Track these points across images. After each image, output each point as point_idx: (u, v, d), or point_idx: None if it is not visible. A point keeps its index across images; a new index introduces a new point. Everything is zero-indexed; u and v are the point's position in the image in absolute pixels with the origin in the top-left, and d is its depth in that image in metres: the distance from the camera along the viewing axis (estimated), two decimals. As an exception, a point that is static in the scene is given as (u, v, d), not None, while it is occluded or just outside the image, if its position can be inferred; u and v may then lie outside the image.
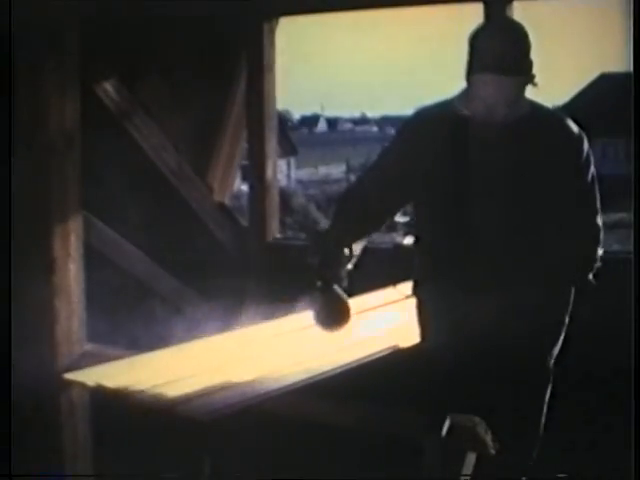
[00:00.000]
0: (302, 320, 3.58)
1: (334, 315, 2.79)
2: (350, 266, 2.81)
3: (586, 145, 2.83)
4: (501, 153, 2.74)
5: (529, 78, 2.80)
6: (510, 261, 2.73)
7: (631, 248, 2.96)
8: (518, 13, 4.83)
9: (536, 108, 2.82)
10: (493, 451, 2.69)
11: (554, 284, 2.77)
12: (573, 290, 2.85)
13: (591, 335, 3.82)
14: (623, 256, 4.65)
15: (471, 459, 2.71)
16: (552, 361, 2.87)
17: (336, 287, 2.77)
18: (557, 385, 2.89)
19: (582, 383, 4.00)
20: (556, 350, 2.87)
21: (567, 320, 2.85)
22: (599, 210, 2.87)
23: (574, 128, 2.83)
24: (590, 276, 2.86)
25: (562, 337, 2.87)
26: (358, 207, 2.82)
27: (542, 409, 2.88)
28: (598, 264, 2.87)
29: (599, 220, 2.87)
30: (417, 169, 2.78)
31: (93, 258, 4.22)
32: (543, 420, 2.89)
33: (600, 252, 2.87)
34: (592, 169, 2.83)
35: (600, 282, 2.86)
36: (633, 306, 2.76)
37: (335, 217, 2.90)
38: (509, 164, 2.73)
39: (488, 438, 2.69)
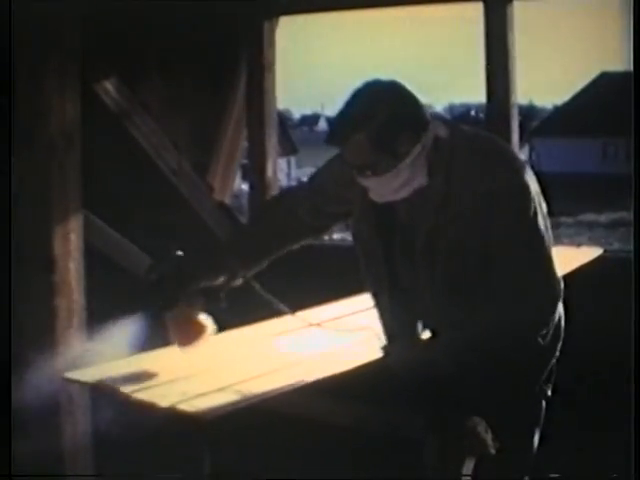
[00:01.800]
0: (303, 320, 3.58)
1: (180, 335, 2.80)
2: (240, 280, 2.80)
3: (518, 189, 2.47)
4: (407, 221, 2.56)
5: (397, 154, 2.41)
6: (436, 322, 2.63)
7: (631, 247, 2.96)
8: (518, 13, 4.85)
9: (439, 172, 2.46)
10: (493, 451, 2.69)
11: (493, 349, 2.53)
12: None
13: (591, 334, 3.82)
14: (623, 255, 4.66)
15: (471, 459, 2.71)
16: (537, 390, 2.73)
17: (182, 305, 2.72)
18: (557, 384, 2.89)
19: (582, 382, 4.00)
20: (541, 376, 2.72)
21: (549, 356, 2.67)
22: (544, 259, 2.50)
23: (499, 172, 2.46)
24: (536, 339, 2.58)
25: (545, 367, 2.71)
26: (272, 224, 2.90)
27: (524, 437, 2.75)
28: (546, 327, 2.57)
29: (542, 275, 2.50)
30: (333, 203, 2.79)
31: (93, 258, 4.22)
32: (527, 444, 2.76)
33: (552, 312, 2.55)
34: (528, 212, 2.46)
35: (600, 281, 2.85)
36: (633, 305, 2.76)
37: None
38: (419, 231, 2.53)
39: (488, 438, 2.68)
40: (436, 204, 2.47)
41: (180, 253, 2.71)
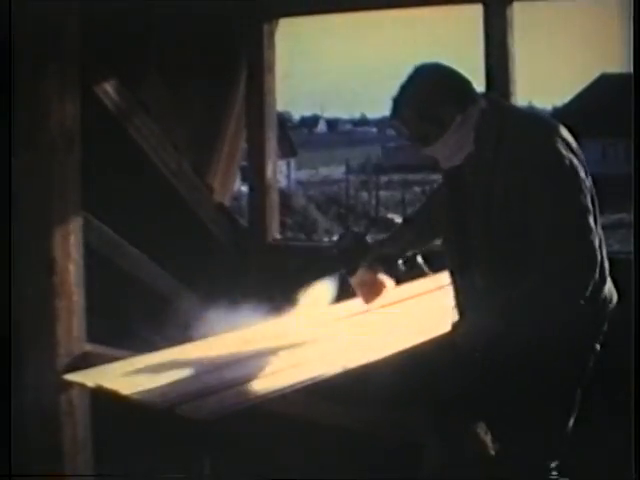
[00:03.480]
0: (302, 320, 3.58)
1: (362, 294, 3.24)
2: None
3: (556, 157, 2.64)
4: (465, 191, 2.80)
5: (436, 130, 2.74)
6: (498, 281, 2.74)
7: (631, 248, 2.96)
8: (518, 14, 4.84)
9: (485, 139, 2.71)
10: (493, 452, 2.69)
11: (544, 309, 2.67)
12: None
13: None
14: (623, 256, 4.65)
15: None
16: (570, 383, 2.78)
17: (363, 269, 3.19)
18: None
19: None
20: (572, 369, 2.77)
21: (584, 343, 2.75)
22: (583, 227, 2.62)
23: (540, 147, 2.66)
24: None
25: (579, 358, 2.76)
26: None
27: (552, 426, 2.78)
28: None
29: (583, 238, 2.62)
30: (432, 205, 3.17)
31: (93, 258, 4.22)
32: (554, 436, 2.79)
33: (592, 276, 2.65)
34: (567, 182, 2.63)
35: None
36: (633, 306, 2.76)
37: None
38: (476, 198, 2.75)
39: (488, 439, 2.68)
40: (487, 170, 2.68)
41: (356, 230, 3.15)
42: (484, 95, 2.83)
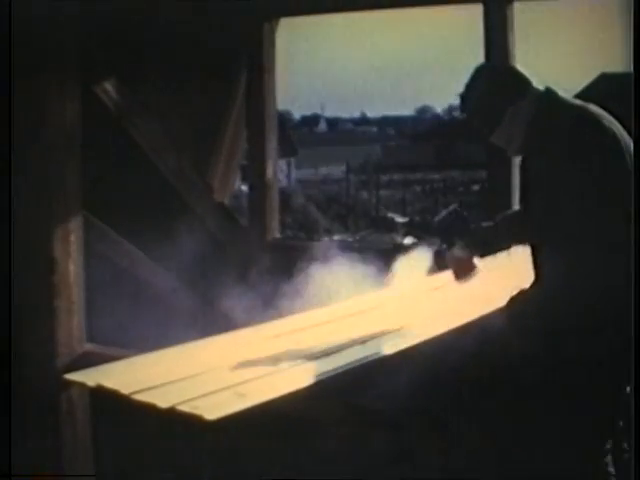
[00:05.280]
0: (302, 320, 3.58)
1: (455, 270, 3.30)
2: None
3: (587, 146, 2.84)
4: (525, 175, 2.98)
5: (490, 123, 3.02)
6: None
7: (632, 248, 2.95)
8: (518, 13, 4.85)
9: (530, 134, 2.93)
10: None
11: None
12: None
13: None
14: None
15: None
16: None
17: (459, 248, 3.25)
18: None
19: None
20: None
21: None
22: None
23: (569, 139, 2.85)
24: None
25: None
26: None
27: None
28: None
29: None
30: None
31: (93, 258, 4.22)
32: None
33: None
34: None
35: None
36: (633, 305, 2.76)
37: None
38: (531, 183, 2.93)
39: None
40: (536, 159, 2.88)
41: (455, 207, 3.40)
42: (540, 91, 3.00)
